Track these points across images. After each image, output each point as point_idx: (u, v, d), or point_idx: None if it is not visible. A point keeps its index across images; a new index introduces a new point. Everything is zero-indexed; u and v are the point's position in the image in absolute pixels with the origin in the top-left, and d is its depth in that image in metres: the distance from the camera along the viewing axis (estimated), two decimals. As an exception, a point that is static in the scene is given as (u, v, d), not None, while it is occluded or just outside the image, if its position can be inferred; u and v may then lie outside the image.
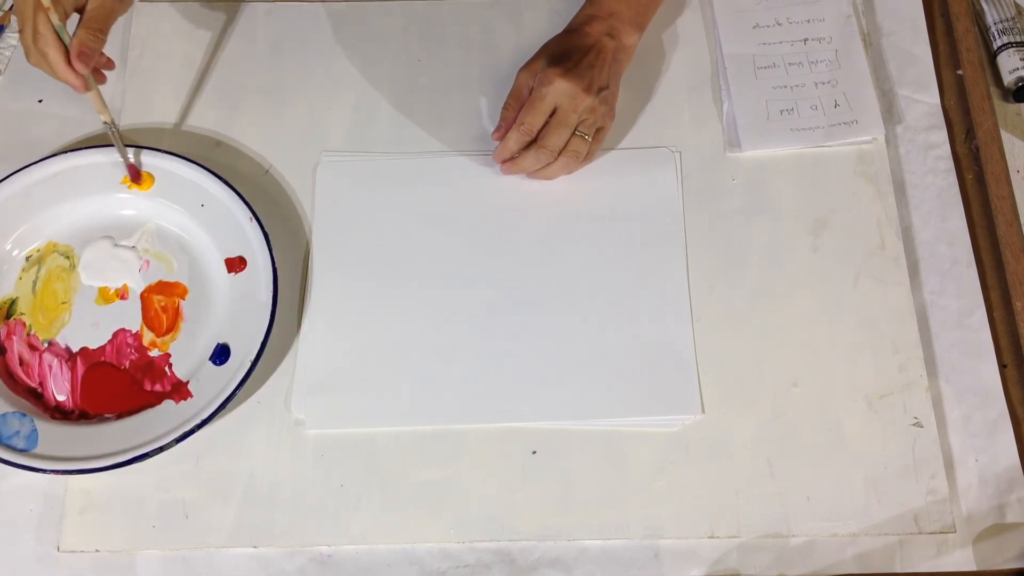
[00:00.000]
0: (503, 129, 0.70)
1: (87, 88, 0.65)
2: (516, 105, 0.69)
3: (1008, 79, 0.74)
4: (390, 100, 0.75)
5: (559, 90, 0.66)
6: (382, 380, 0.65)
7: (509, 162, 0.70)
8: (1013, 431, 0.64)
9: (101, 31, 0.64)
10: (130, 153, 0.69)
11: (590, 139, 0.69)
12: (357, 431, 0.64)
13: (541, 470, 0.63)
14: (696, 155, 0.73)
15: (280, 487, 0.63)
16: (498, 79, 0.75)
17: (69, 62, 0.63)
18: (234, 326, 0.65)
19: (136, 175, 0.69)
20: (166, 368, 0.65)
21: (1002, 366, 0.66)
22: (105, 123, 0.68)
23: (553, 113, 0.67)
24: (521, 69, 0.69)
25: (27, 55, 0.65)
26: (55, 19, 0.62)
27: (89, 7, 0.64)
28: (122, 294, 0.68)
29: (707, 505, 0.62)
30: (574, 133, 0.68)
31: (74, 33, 0.64)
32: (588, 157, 0.70)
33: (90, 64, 0.64)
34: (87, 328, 0.67)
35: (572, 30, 0.70)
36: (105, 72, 0.69)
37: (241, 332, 0.65)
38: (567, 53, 0.68)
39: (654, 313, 0.67)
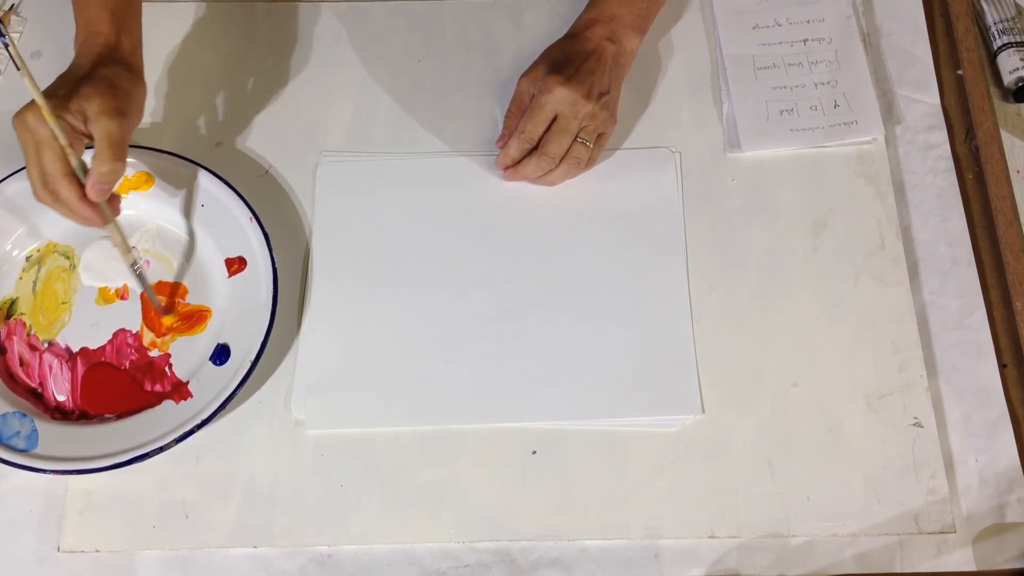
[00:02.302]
0: (505, 137, 0.70)
1: (106, 221, 0.62)
2: (518, 112, 0.70)
3: (1008, 79, 0.74)
4: (390, 100, 0.75)
5: (559, 98, 0.66)
6: (382, 380, 0.65)
7: (511, 169, 0.70)
8: (1013, 431, 0.64)
9: (121, 160, 0.60)
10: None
11: (591, 145, 0.69)
12: (357, 431, 0.64)
13: (541, 470, 0.63)
14: (696, 155, 0.73)
15: (280, 487, 0.63)
16: (498, 79, 0.75)
17: (83, 198, 0.60)
18: (234, 326, 0.66)
19: (167, 312, 0.67)
20: (166, 368, 0.65)
21: (1002, 366, 0.66)
22: (131, 266, 0.65)
23: (554, 120, 0.67)
24: (522, 76, 0.69)
25: (34, 193, 0.61)
26: (74, 160, 0.59)
27: (100, 133, 0.59)
28: (122, 294, 0.68)
29: (707, 505, 0.62)
30: (575, 139, 0.68)
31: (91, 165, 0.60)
32: (590, 163, 0.70)
33: (106, 196, 0.61)
34: (87, 328, 0.67)
35: (573, 35, 0.70)
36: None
37: (241, 332, 0.65)
38: (567, 59, 0.68)
39: (654, 313, 0.67)
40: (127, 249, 0.65)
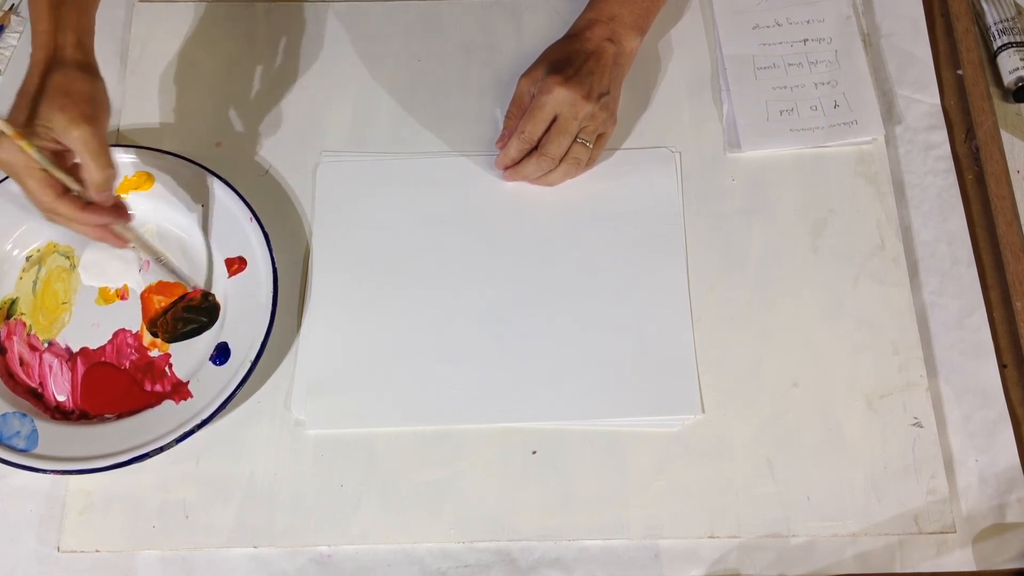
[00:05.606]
0: (505, 137, 0.70)
1: (126, 234, 0.63)
2: (518, 113, 0.70)
3: (1008, 79, 0.74)
4: (390, 100, 0.75)
5: (559, 98, 0.66)
6: (382, 380, 0.65)
7: (511, 169, 0.70)
8: (1013, 431, 0.64)
9: (109, 164, 0.58)
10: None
11: (591, 146, 0.69)
12: (357, 431, 0.64)
13: (541, 470, 0.63)
14: (696, 155, 0.73)
15: (280, 487, 0.63)
16: (498, 79, 0.75)
17: (86, 208, 0.58)
18: (234, 326, 0.66)
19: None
20: (166, 368, 0.65)
21: (1002, 366, 0.66)
22: (156, 261, 0.68)
23: (554, 121, 0.67)
24: (522, 76, 0.69)
25: (45, 214, 0.59)
26: (61, 176, 0.57)
27: (77, 145, 0.56)
28: (122, 294, 0.68)
29: (707, 505, 0.62)
30: (575, 140, 0.68)
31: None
32: (590, 163, 0.70)
33: (111, 200, 0.60)
34: (87, 328, 0.67)
35: (573, 35, 0.70)
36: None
37: (241, 332, 0.65)
38: (567, 60, 0.68)
39: (654, 313, 0.67)
40: (151, 249, 0.67)
